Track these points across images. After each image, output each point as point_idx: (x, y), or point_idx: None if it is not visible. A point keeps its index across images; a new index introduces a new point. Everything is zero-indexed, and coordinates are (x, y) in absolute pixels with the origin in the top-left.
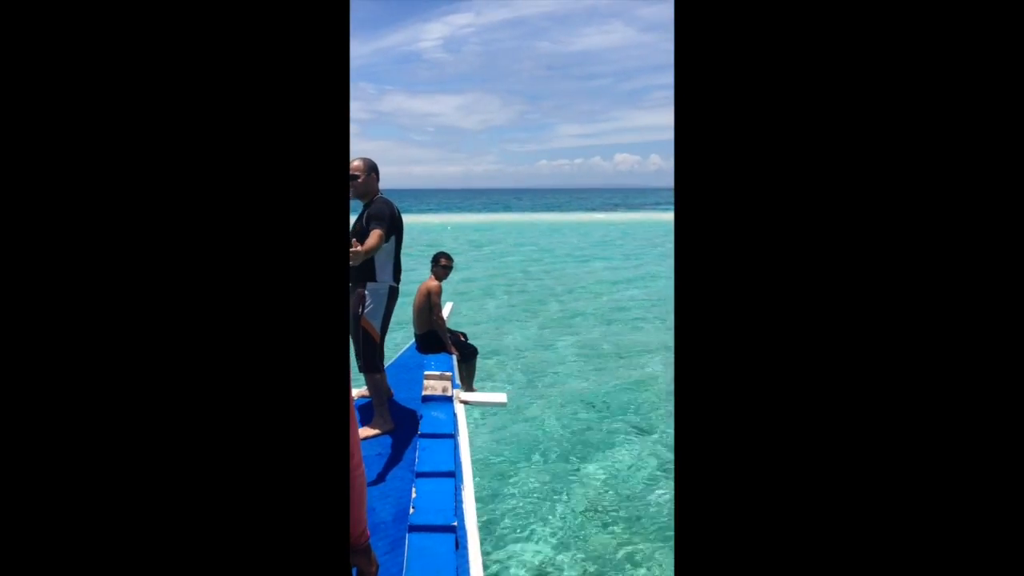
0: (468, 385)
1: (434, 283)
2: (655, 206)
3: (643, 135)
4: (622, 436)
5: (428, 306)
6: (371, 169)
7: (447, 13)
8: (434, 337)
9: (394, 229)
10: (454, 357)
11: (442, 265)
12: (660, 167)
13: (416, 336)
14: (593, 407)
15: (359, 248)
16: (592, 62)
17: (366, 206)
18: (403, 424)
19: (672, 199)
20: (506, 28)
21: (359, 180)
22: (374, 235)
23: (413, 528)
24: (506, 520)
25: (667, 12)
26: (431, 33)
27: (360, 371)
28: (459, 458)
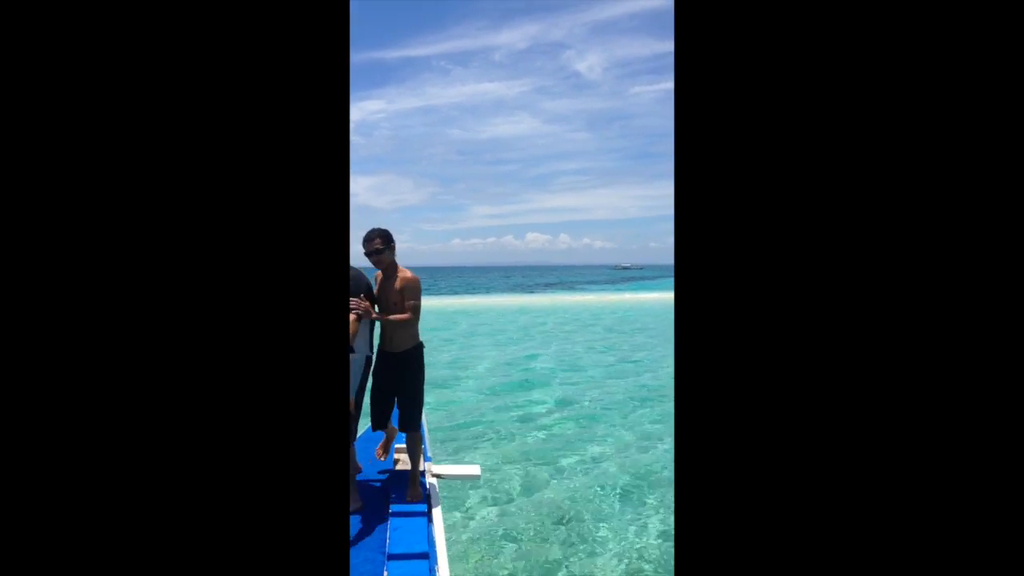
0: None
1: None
2: (589, 285)
3: (552, 216)
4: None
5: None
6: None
7: (360, 99)
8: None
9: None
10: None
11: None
12: (569, 246)
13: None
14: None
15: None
16: (501, 149)
17: None
18: (372, 502)
19: (602, 278)
20: (417, 115)
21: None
22: (351, 323)
23: None
24: None
25: (569, 106)
26: None
27: None
28: (433, 537)
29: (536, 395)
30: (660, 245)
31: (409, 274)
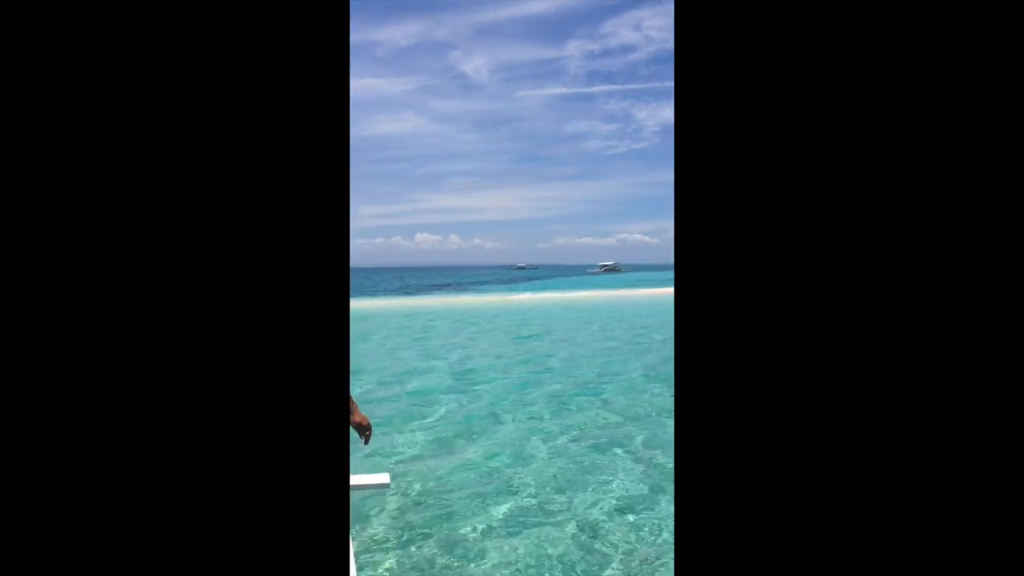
0: None
1: None
2: (491, 285)
3: (442, 216)
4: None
5: None
6: None
7: None
8: None
9: None
10: None
11: None
12: (460, 246)
13: None
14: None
15: None
16: (387, 147)
17: None
18: None
19: (502, 278)
20: None
21: None
22: None
23: None
24: None
25: (457, 107)
26: None
27: None
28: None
29: (479, 405)
30: (548, 246)
31: None
